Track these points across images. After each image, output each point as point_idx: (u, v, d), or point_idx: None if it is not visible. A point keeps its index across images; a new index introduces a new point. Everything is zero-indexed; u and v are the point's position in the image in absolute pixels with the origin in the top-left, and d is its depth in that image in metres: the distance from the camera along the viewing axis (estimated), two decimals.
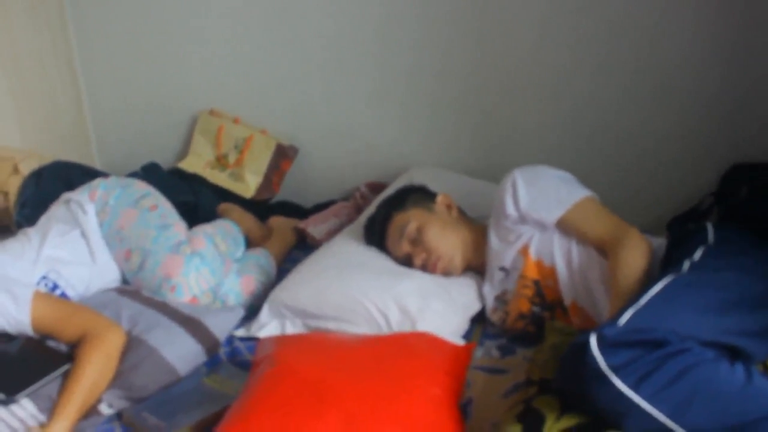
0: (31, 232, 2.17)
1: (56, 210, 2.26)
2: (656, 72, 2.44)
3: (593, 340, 1.40)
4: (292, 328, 2.06)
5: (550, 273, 1.96)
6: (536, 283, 1.98)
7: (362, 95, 2.82)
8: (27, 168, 2.64)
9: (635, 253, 1.80)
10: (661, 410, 1.34)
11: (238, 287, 2.22)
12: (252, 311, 2.18)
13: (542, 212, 1.95)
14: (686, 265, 1.63)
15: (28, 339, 1.89)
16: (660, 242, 1.91)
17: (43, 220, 2.25)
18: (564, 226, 1.95)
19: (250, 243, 2.52)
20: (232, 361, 2.00)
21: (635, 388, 1.35)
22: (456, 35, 2.59)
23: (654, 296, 1.53)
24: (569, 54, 2.50)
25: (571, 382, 1.44)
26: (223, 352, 2.04)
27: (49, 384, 1.77)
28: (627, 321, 1.47)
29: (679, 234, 1.86)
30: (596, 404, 1.39)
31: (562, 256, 1.94)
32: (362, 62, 2.76)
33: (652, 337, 1.41)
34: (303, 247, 2.60)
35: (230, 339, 2.08)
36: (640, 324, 1.45)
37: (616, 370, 1.37)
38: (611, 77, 2.49)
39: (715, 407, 1.36)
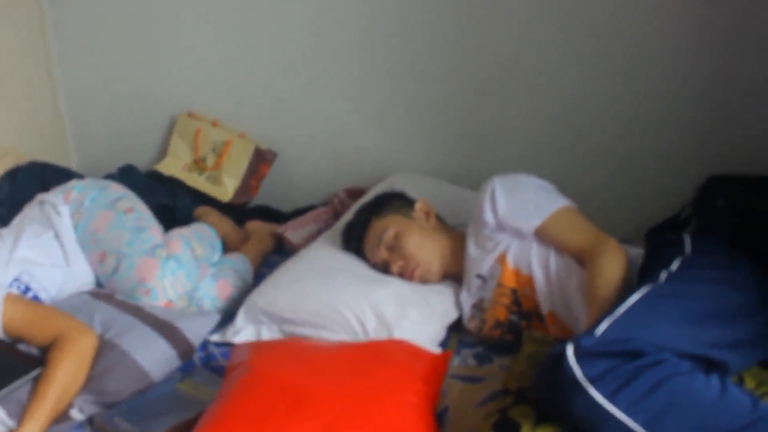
0: (4, 233, 2.15)
1: (30, 211, 2.24)
2: (638, 81, 2.45)
3: (570, 351, 1.40)
4: (268, 333, 2.05)
5: (527, 281, 1.96)
6: (513, 291, 1.98)
7: (343, 99, 2.81)
8: (1, 167, 2.61)
9: (612, 263, 1.80)
10: (636, 421, 1.34)
11: (213, 292, 2.20)
12: (228, 316, 2.16)
13: (520, 220, 1.95)
14: (663, 275, 1.64)
15: None
16: (637, 252, 1.91)
17: (16, 220, 2.23)
18: (542, 235, 1.95)
19: (227, 247, 2.51)
20: (207, 366, 1.99)
21: (611, 398, 1.35)
22: (438, 39, 2.59)
23: (631, 307, 1.53)
24: (552, 60, 2.51)
25: (547, 392, 1.44)
26: (197, 357, 2.02)
27: (19, 388, 1.74)
28: (604, 331, 1.47)
29: (657, 244, 1.86)
30: (572, 414, 1.39)
31: (539, 265, 1.94)
32: (343, 66, 2.76)
33: (628, 347, 1.41)
34: (281, 251, 2.59)
35: (205, 344, 2.06)
36: (617, 334, 1.45)
37: (592, 380, 1.37)
38: (594, 84, 2.50)
39: (691, 418, 1.36)
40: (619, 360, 1.39)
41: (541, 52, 2.51)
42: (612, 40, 2.43)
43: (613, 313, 1.51)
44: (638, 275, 1.80)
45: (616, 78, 2.47)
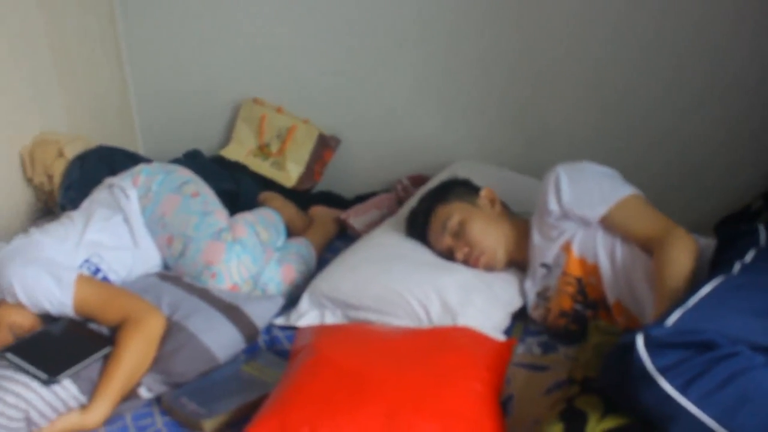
0: (75, 216, 2.19)
1: (99, 194, 2.28)
2: (699, 65, 2.40)
3: (640, 341, 1.37)
4: (332, 318, 2.06)
5: (593, 271, 1.93)
6: (579, 280, 1.95)
7: (405, 87, 2.81)
8: (72, 152, 2.66)
9: (682, 253, 1.76)
10: (709, 414, 1.31)
11: (278, 276, 2.22)
12: (291, 300, 2.18)
13: (585, 209, 1.92)
14: (737, 267, 1.59)
15: (71, 321, 1.91)
16: (707, 242, 1.87)
17: (86, 203, 2.27)
18: (608, 224, 1.92)
19: (290, 232, 2.52)
20: (271, 349, 2.01)
21: (683, 390, 1.32)
22: (497, 25, 2.58)
23: (703, 297, 1.50)
24: (609, 45, 2.48)
25: (615, 383, 1.42)
26: (262, 340, 2.04)
27: (90, 366, 1.78)
28: (675, 322, 1.43)
29: (730, 235, 1.82)
30: (641, 406, 1.36)
31: (605, 254, 1.91)
32: (405, 54, 2.76)
33: (701, 339, 1.37)
34: (343, 237, 2.60)
35: (269, 327, 2.09)
36: (689, 325, 1.42)
37: (663, 371, 1.34)
38: (653, 69, 2.45)
39: (764, 413, 1.32)
40: (690, 351, 1.36)
41: (598, 38, 2.48)
42: (669, 23, 2.39)
43: (684, 304, 1.48)
44: (710, 266, 1.76)
45: (675, 61, 2.42)
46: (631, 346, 1.37)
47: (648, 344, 1.37)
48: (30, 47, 2.66)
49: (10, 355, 1.75)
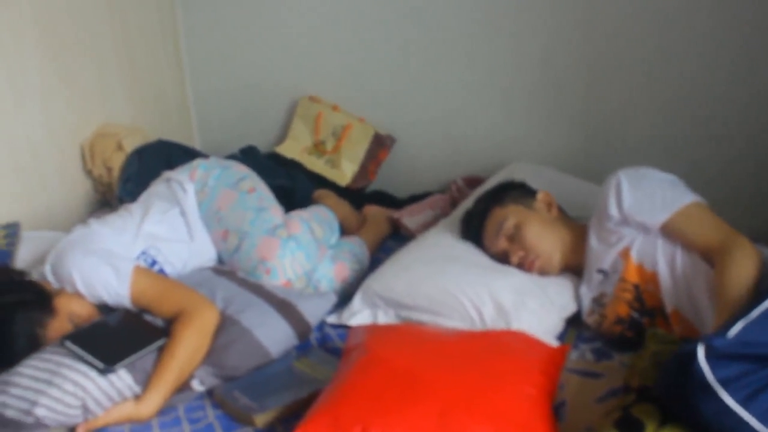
0: (133, 208, 2.22)
1: (157, 188, 2.31)
2: (763, 64, 2.34)
3: (701, 351, 1.35)
4: (385, 317, 2.06)
5: (651, 278, 1.90)
6: (636, 287, 1.92)
7: (462, 87, 2.80)
8: (130, 145, 2.69)
9: (744, 263, 1.72)
10: None
11: (331, 273, 2.22)
12: (343, 299, 2.18)
13: (646, 215, 1.89)
14: None
15: (127, 312, 1.94)
16: None
17: (143, 197, 2.30)
18: (669, 231, 1.88)
19: (344, 231, 2.52)
20: (323, 346, 2.02)
21: (744, 404, 1.29)
22: (555, 24, 2.57)
23: (767, 309, 1.46)
24: (671, 43, 2.45)
25: (674, 393, 1.39)
26: (313, 337, 2.05)
27: (145, 357, 1.80)
28: (737, 333, 1.40)
29: None
30: (701, 417, 1.34)
31: (665, 262, 1.88)
32: (462, 54, 2.75)
33: (764, 352, 1.35)
34: (396, 237, 2.59)
35: (321, 325, 2.09)
36: (753, 337, 1.39)
37: (724, 383, 1.31)
38: (714, 69, 2.42)
39: None
40: (753, 364, 1.33)
41: (659, 37, 2.46)
42: (729, 21, 2.35)
43: (747, 315, 1.44)
44: None
45: (737, 60, 2.38)
46: (692, 356, 1.35)
47: (709, 355, 1.34)
48: (95, 41, 2.72)
49: (68, 343, 1.77)
